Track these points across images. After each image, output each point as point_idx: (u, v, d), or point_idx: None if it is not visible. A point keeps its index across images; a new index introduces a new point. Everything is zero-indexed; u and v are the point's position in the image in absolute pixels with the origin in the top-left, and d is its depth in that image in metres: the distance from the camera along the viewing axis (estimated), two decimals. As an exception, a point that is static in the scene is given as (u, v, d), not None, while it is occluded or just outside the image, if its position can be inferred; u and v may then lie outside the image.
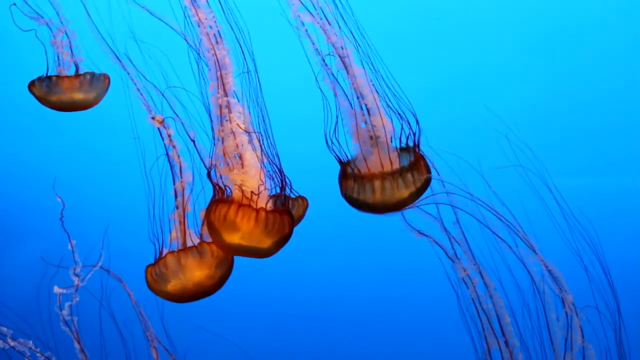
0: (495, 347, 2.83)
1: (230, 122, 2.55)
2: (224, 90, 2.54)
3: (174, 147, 2.73)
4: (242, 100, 2.59)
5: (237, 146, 2.57)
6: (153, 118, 2.70)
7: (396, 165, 2.50)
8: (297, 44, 2.51)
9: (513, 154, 2.84)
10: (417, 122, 2.56)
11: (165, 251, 2.70)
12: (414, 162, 2.50)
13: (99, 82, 3.12)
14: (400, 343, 5.09)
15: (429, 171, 2.54)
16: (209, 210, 2.55)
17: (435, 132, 2.67)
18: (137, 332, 3.41)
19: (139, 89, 2.78)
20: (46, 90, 3.07)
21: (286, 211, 2.58)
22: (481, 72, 5.02)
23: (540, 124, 4.96)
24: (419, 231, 2.75)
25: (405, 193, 2.49)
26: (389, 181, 2.45)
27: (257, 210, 2.50)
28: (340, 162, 2.57)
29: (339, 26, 2.47)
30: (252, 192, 2.54)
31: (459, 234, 2.78)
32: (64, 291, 3.25)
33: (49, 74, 3.09)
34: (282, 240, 2.59)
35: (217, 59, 2.55)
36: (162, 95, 2.72)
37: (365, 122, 2.51)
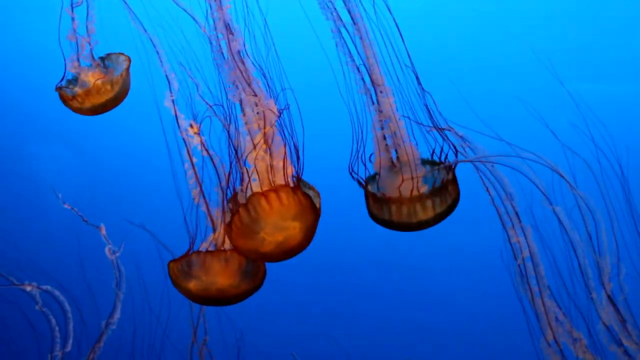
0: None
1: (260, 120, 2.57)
2: (253, 91, 2.56)
3: (210, 155, 2.76)
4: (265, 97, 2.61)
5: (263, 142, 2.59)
6: (191, 126, 2.72)
7: (421, 190, 2.48)
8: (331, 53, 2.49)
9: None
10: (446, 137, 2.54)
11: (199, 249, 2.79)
12: (439, 188, 2.48)
13: (117, 64, 3.07)
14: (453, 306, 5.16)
15: (457, 192, 2.53)
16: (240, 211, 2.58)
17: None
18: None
19: (171, 89, 2.80)
20: (78, 105, 3.05)
21: (299, 189, 2.63)
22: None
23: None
24: (486, 188, 2.74)
25: (425, 217, 2.48)
26: (406, 206, 2.45)
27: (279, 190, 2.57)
28: (363, 181, 2.57)
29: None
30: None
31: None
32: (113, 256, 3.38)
33: (70, 79, 3.09)
34: (309, 216, 2.63)
35: (241, 70, 2.56)
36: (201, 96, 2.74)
37: (390, 143, 2.50)
